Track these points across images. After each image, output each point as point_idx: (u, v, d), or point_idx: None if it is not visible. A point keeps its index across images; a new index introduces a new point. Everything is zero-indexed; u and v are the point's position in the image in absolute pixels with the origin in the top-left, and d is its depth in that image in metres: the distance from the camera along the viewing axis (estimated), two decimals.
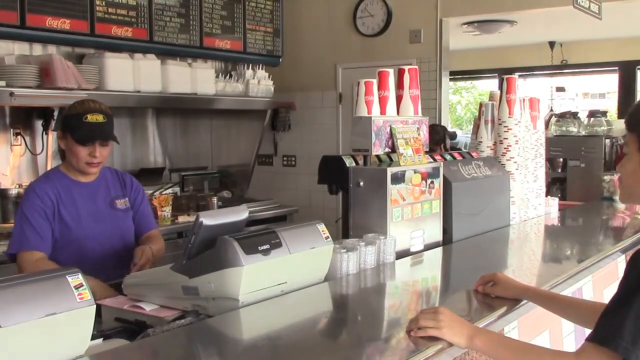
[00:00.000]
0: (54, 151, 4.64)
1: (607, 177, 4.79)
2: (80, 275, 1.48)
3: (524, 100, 3.66)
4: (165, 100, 4.99)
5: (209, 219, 2.02)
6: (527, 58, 11.01)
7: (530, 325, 2.60)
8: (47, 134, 4.57)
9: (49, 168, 4.65)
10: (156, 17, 4.88)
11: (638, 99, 2.22)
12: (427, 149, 2.97)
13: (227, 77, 5.55)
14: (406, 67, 2.93)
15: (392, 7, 6.32)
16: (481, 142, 3.56)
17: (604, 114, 5.60)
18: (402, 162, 2.76)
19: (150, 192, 4.69)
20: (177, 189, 5.33)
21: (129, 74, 4.68)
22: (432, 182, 2.89)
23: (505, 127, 3.50)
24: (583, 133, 5.35)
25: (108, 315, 2.14)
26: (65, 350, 1.47)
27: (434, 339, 1.74)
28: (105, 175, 2.79)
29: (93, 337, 1.59)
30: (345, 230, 2.82)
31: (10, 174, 4.50)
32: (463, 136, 12.92)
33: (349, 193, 2.75)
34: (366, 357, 1.77)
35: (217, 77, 5.40)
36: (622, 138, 5.43)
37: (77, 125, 2.59)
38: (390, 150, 2.81)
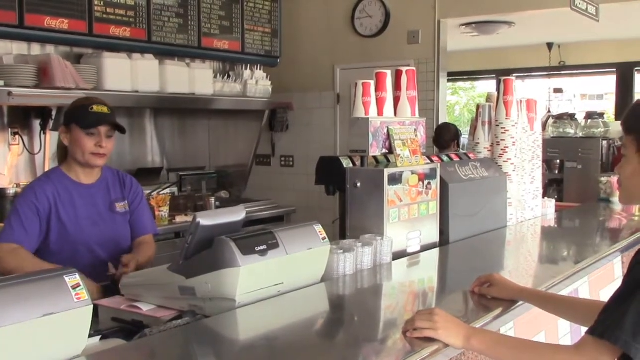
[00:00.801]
0: (52, 151, 4.64)
1: (604, 179, 4.80)
2: (77, 276, 1.49)
3: (521, 101, 3.67)
4: (163, 100, 4.99)
5: (206, 220, 2.02)
6: (525, 59, 11.02)
7: (526, 326, 2.61)
8: (45, 133, 4.57)
9: (46, 168, 4.66)
10: (154, 17, 4.88)
11: (635, 101, 2.24)
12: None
13: (225, 77, 5.55)
14: (404, 69, 2.94)
15: (391, 8, 6.32)
16: (478, 143, 3.57)
17: (601, 115, 5.61)
18: (399, 163, 2.77)
19: (148, 192, 4.69)
20: (174, 189, 5.33)
21: (127, 74, 4.68)
22: (429, 183, 2.90)
23: (502, 128, 3.51)
24: (580, 135, 5.37)
25: (105, 315, 2.14)
26: (62, 350, 1.47)
27: (430, 340, 1.75)
28: (106, 176, 2.79)
29: (90, 337, 1.60)
30: (343, 231, 2.83)
31: (8, 173, 4.50)
32: (461, 137, 12.89)
33: (346, 194, 2.76)
34: (362, 357, 1.79)
35: (215, 77, 5.40)
36: (620, 140, 5.45)
37: (84, 114, 2.61)
38: (387, 151, 2.82)
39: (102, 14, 4.55)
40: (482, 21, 7.46)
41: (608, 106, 12.40)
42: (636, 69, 10.52)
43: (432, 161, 3.04)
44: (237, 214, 2.15)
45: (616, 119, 10.14)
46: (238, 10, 5.56)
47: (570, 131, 5.37)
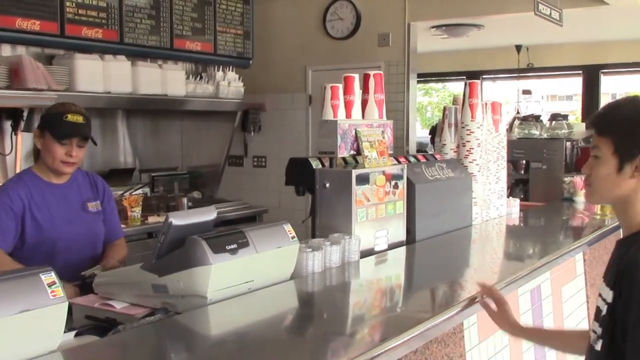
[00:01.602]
0: (24, 152, 4.64)
1: (567, 179, 4.94)
2: (53, 274, 1.54)
3: (486, 104, 3.78)
4: (136, 101, 5.01)
5: (178, 219, 2.08)
6: (494, 61, 11.21)
7: (489, 320, 2.71)
8: (16, 134, 4.57)
9: (18, 168, 4.65)
10: (127, 18, 4.90)
11: (606, 103, 2.31)
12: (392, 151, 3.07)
13: (198, 78, 5.59)
14: (371, 72, 3.03)
15: (361, 11, 6.41)
16: (445, 144, 3.67)
17: (565, 117, 5.76)
18: (367, 164, 2.85)
19: (120, 192, 4.71)
20: (147, 190, 5.36)
21: (99, 75, 4.69)
22: (396, 184, 2.98)
23: (467, 130, 3.61)
24: (545, 136, 5.51)
25: (79, 313, 2.18)
26: (38, 345, 1.53)
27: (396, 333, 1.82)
28: (76, 177, 2.83)
29: (65, 333, 1.65)
30: (314, 230, 2.90)
31: None
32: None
33: (315, 194, 2.84)
34: (331, 351, 1.85)
35: (187, 78, 5.44)
36: (583, 141, 5.59)
37: (57, 123, 2.65)
38: (355, 152, 2.90)
39: (74, 15, 4.56)
40: (451, 24, 7.59)
41: (577, 107, 12.62)
42: (602, 71, 10.76)
43: (399, 162, 3.13)
44: (208, 214, 2.22)
45: (582, 120, 10.36)
46: (210, 12, 5.60)
47: (536, 132, 5.51)
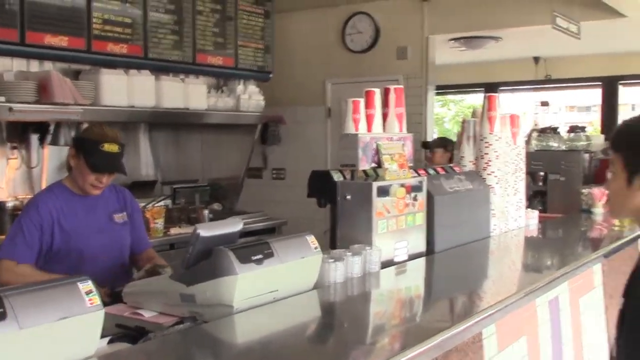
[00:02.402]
0: (50, 165, 4.76)
1: (585, 191, 4.95)
2: (90, 282, 1.61)
3: (505, 117, 3.82)
4: (159, 115, 5.12)
5: (205, 231, 2.16)
6: (512, 73, 11.23)
7: (507, 330, 2.75)
8: (42, 148, 4.69)
9: (44, 181, 4.77)
10: (151, 34, 5.02)
11: (622, 120, 2.35)
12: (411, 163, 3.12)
13: (219, 92, 5.69)
14: (392, 87, 3.09)
15: (380, 25, 6.50)
16: (463, 157, 3.72)
17: (583, 129, 5.78)
18: (388, 177, 2.91)
19: (142, 204, 4.81)
20: (168, 202, 5.45)
21: (124, 90, 4.81)
22: (416, 196, 3.04)
23: (486, 143, 3.65)
24: (563, 148, 5.52)
25: (109, 322, 2.25)
26: (76, 351, 1.60)
27: (414, 343, 1.87)
28: (107, 193, 2.92)
29: None
30: (333, 241, 2.95)
31: (7, 186, 4.61)
32: None
33: (336, 206, 2.90)
34: (352, 359, 1.91)
35: (209, 92, 5.54)
36: (602, 152, 5.60)
37: (93, 152, 2.73)
38: (376, 165, 2.96)
39: (100, 32, 4.69)
40: (469, 36, 7.64)
41: (595, 118, 12.59)
42: (620, 82, 10.74)
43: (418, 174, 3.18)
44: (234, 226, 2.29)
45: (602, 132, 10.35)
46: (232, 27, 5.71)
47: (554, 144, 5.53)
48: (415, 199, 3.04)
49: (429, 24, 6.27)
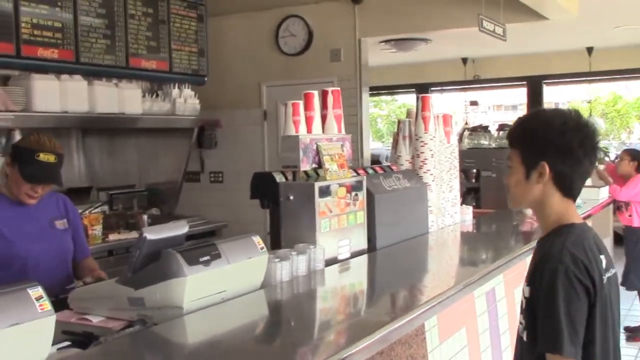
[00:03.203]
0: None
1: None
2: (40, 288, 1.61)
3: (438, 116, 3.95)
4: (93, 120, 5.03)
5: (152, 234, 2.17)
6: (442, 73, 11.53)
7: (448, 322, 2.86)
8: None
9: None
10: (82, 38, 4.93)
11: (518, 117, 2.49)
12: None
13: (154, 96, 5.63)
14: (330, 89, 3.16)
15: (313, 28, 6.57)
16: (400, 156, 3.82)
17: None
18: (328, 177, 2.97)
19: (80, 211, 4.72)
20: (105, 208, 5.37)
21: (56, 95, 4.70)
22: (356, 195, 3.11)
23: (421, 142, 3.77)
24: (493, 145, 5.73)
25: (55, 329, 2.23)
26: (28, 357, 1.59)
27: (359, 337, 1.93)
28: (46, 199, 2.87)
29: None
30: (275, 242, 2.99)
31: None
32: (384, 149, 13.25)
33: (279, 207, 2.94)
34: (299, 357, 1.95)
35: (143, 96, 5.47)
36: None
37: (28, 162, 2.66)
38: (317, 166, 3.02)
39: (30, 36, 4.57)
40: (400, 38, 7.81)
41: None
42: (544, 81, 11.17)
43: (358, 174, 3.26)
44: (180, 229, 2.31)
45: None
46: (165, 31, 5.66)
47: (485, 142, 5.73)
48: (355, 198, 3.11)
49: (360, 26, 6.38)
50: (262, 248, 2.41)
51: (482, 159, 5.57)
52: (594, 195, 5.36)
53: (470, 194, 5.63)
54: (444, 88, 12.48)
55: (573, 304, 1.69)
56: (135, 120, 5.37)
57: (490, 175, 5.49)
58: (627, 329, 5.94)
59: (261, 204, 3.05)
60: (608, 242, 6.53)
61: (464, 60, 11.07)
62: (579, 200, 4.95)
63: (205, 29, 6.09)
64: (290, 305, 2.49)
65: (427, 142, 3.76)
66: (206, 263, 2.17)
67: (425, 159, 3.77)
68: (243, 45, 6.89)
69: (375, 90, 12.75)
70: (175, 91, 5.75)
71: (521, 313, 1.87)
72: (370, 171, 3.45)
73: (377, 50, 8.57)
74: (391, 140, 4.12)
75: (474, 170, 5.59)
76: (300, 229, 2.89)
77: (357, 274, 3.02)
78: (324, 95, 3.16)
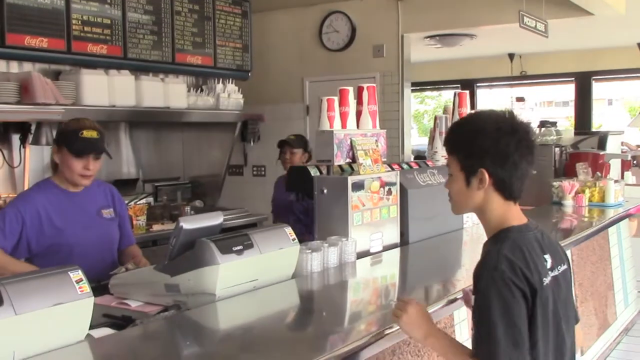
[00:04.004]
0: (32, 164, 4.82)
1: (556, 183, 5.12)
2: (80, 272, 1.72)
3: None
4: (139, 114, 5.19)
5: (188, 224, 2.27)
6: (488, 69, 11.43)
7: None
8: (24, 147, 4.75)
9: (26, 180, 4.83)
10: (130, 34, 5.09)
11: (453, 122, 2.49)
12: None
13: (199, 91, 5.77)
14: (365, 85, 3.21)
15: (356, 23, 6.62)
16: (436, 152, 3.85)
17: (554, 124, 5.96)
18: (362, 171, 3.03)
19: (126, 202, 4.88)
20: (150, 199, 5.53)
21: (104, 89, 4.87)
22: (389, 189, 3.17)
23: None
24: None
25: (96, 312, 2.35)
26: (68, 335, 1.71)
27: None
28: (91, 186, 3.01)
29: None
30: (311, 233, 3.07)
31: None
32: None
33: (314, 200, 3.02)
34: (330, 345, 2.01)
35: (188, 91, 5.62)
36: (571, 147, 5.78)
37: (74, 140, 2.81)
38: (351, 160, 3.08)
39: (80, 32, 4.75)
40: (444, 34, 7.79)
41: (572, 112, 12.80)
42: (593, 77, 10.97)
43: (392, 169, 3.31)
44: (215, 219, 2.40)
45: (575, 126, 10.56)
46: (210, 27, 5.79)
47: None
48: (389, 192, 3.16)
49: (403, 22, 6.40)
50: (293, 239, 2.49)
51: None
52: (635, 194, 5.29)
53: None
54: (490, 84, 12.36)
55: (512, 309, 1.68)
56: (180, 114, 5.52)
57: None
58: None
59: (296, 197, 3.13)
60: None
61: (511, 56, 10.95)
62: (620, 199, 4.92)
63: (249, 25, 6.20)
64: (321, 294, 2.56)
65: None
66: (239, 252, 2.26)
67: None
68: (287, 41, 6.98)
69: (420, 86, 12.71)
70: (219, 86, 5.88)
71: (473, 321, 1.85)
72: (405, 166, 3.50)
73: (422, 46, 8.56)
74: None
75: None
76: (334, 221, 2.96)
77: (389, 267, 3.08)
78: (359, 91, 3.21)
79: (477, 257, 3.39)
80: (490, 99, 12.84)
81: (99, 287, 2.62)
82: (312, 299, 2.54)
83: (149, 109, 5.20)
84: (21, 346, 1.60)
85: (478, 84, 11.88)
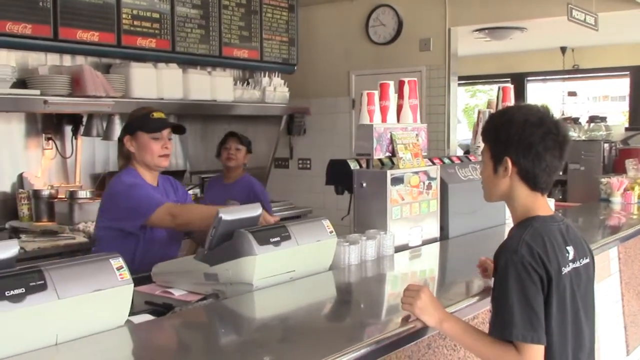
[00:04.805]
0: (83, 155, 4.97)
1: (604, 180, 5.02)
2: (120, 259, 1.78)
3: None
4: (187, 106, 5.29)
5: (227, 215, 2.31)
6: (539, 63, 11.24)
7: None
8: (76, 138, 4.90)
9: (77, 170, 4.99)
10: (178, 28, 5.19)
11: (489, 114, 2.46)
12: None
13: (245, 84, 5.85)
14: (406, 79, 3.21)
15: (403, 17, 6.60)
16: (479, 146, 3.82)
17: (603, 119, 5.84)
18: (402, 165, 3.04)
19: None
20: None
21: (153, 82, 4.98)
22: (429, 184, 3.17)
23: None
24: (583, 138, 5.60)
25: (138, 300, 2.43)
26: (108, 320, 1.77)
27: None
28: (162, 182, 3.09)
29: None
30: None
31: (42, 175, 4.82)
32: None
33: (353, 193, 3.04)
34: (365, 335, 2.03)
35: (235, 84, 5.70)
36: (621, 143, 5.66)
37: (147, 121, 2.93)
38: (391, 154, 3.09)
39: (130, 27, 4.86)
40: (493, 27, 7.69)
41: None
42: None
43: (433, 163, 3.30)
44: (253, 210, 2.44)
45: (629, 121, 10.31)
46: (257, 21, 5.86)
47: (574, 134, 5.60)
48: (429, 186, 3.16)
49: (450, 15, 6.35)
50: (331, 232, 2.51)
51: (571, 151, 5.43)
52: None
53: (557, 186, 5.53)
54: (543, 77, 12.16)
55: (529, 290, 1.74)
56: (226, 107, 5.60)
57: (578, 168, 5.38)
58: None
59: (335, 190, 3.15)
60: None
61: (563, 50, 10.74)
62: None
63: (296, 19, 6.25)
64: (358, 286, 2.58)
65: None
66: (276, 243, 2.30)
67: None
68: (333, 35, 7.00)
69: (471, 80, 12.58)
70: (265, 79, 5.94)
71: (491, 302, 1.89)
72: (447, 161, 3.49)
73: (472, 39, 8.48)
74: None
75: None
76: (372, 215, 2.98)
77: (428, 261, 3.08)
78: (400, 86, 3.22)
79: None
80: (542, 93, 12.61)
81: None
82: (348, 290, 2.57)
83: (196, 101, 5.30)
84: (63, 329, 1.67)
85: (529, 78, 11.69)
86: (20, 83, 4.33)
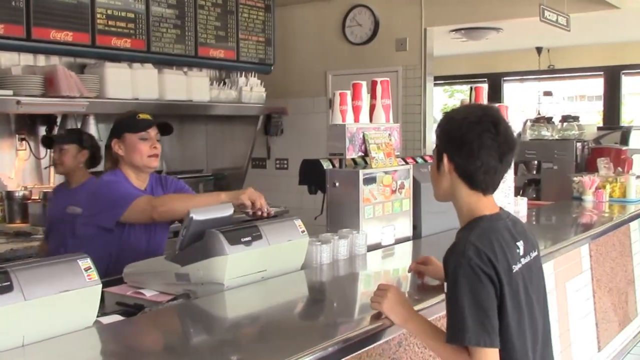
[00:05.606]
0: None
1: (576, 179, 5.09)
2: (89, 260, 1.78)
3: None
4: (162, 107, 5.26)
5: (198, 215, 2.32)
6: (515, 63, 11.32)
7: None
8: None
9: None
10: (153, 28, 5.17)
11: (440, 117, 2.49)
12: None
13: (221, 84, 5.84)
14: (378, 79, 3.23)
15: (379, 17, 6.62)
16: None
17: (576, 118, 5.91)
18: (374, 165, 3.06)
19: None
20: None
21: (128, 83, 4.96)
22: (402, 183, 3.19)
23: None
24: (556, 137, 5.66)
25: (109, 300, 2.43)
26: (76, 321, 1.77)
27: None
28: (152, 182, 3.08)
29: None
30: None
31: (16, 177, 4.78)
32: None
33: (326, 193, 3.05)
34: (337, 334, 2.03)
35: (211, 84, 5.69)
36: (593, 142, 5.73)
37: (134, 122, 2.91)
38: (363, 154, 3.11)
39: (104, 26, 4.84)
40: (469, 27, 7.75)
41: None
42: (623, 72, 10.81)
43: (406, 163, 3.33)
44: (225, 210, 2.45)
45: (603, 121, 10.44)
46: (233, 21, 5.85)
47: (547, 134, 5.67)
48: (401, 186, 3.19)
49: (426, 15, 6.39)
50: (303, 231, 2.53)
51: (544, 151, 5.51)
52: None
53: (531, 185, 5.59)
54: (519, 77, 12.25)
55: (479, 293, 1.73)
56: (203, 107, 5.59)
57: (551, 167, 5.44)
58: None
59: (308, 189, 3.17)
60: None
61: (538, 50, 10.83)
62: None
63: (272, 19, 6.25)
64: (329, 285, 2.60)
65: None
66: (247, 243, 2.31)
67: None
68: (310, 35, 7.01)
69: (448, 80, 12.65)
70: (241, 79, 5.94)
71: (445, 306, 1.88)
72: (420, 160, 3.51)
73: (448, 40, 8.52)
74: None
75: (535, 162, 5.55)
76: (345, 214, 2.99)
77: (400, 260, 3.10)
78: (373, 86, 3.24)
79: None
80: (519, 93, 12.71)
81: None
82: (320, 290, 2.58)
83: (172, 102, 5.28)
84: (30, 331, 1.67)
85: (505, 78, 11.78)
86: None
